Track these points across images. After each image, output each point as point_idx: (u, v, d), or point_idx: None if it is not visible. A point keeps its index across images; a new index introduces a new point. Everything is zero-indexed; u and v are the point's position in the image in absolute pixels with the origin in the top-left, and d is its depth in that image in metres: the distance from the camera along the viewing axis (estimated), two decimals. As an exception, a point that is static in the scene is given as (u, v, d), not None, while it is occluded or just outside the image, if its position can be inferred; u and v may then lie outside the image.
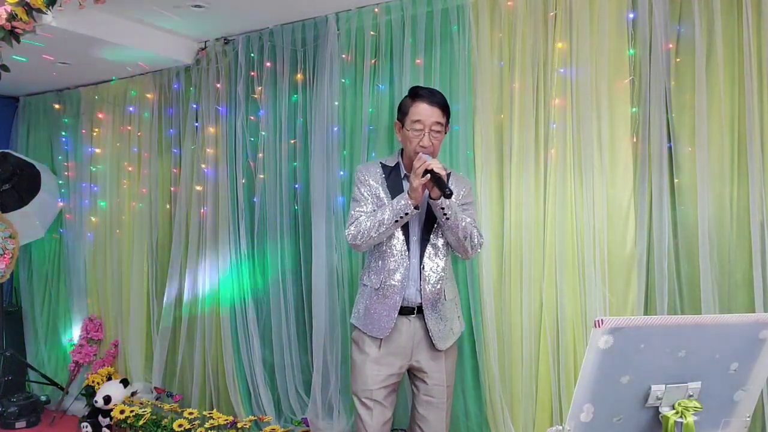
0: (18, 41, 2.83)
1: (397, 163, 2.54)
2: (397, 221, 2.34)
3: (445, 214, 2.33)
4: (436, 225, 2.44)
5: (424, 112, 2.39)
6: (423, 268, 2.44)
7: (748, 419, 1.19)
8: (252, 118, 3.76)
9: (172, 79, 4.13)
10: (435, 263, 2.45)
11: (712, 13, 2.54)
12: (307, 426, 3.48)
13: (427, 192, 2.35)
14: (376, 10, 3.27)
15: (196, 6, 3.28)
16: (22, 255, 4.72)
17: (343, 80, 3.40)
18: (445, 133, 2.49)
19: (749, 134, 2.46)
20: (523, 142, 2.89)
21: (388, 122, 3.25)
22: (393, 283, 2.43)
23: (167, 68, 4.11)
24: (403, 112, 2.46)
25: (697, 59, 2.55)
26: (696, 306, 2.57)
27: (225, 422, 3.55)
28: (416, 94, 2.44)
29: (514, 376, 2.92)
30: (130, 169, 4.38)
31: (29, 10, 2.72)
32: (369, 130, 3.30)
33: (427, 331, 2.43)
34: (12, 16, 2.73)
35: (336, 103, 3.39)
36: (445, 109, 2.44)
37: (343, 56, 3.38)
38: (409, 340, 2.45)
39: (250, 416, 3.58)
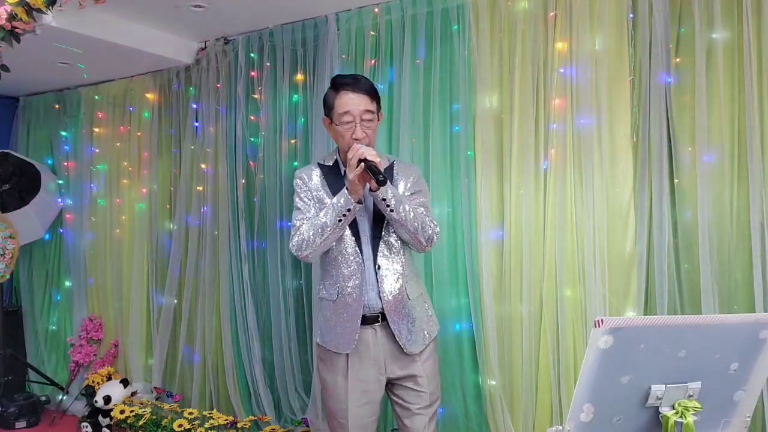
0: (18, 41, 2.83)
1: (336, 161, 2.34)
2: (340, 220, 2.13)
3: (388, 206, 2.12)
4: (386, 221, 2.23)
5: (350, 102, 2.19)
6: (379, 269, 2.23)
7: (748, 419, 1.19)
8: (252, 118, 3.76)
9: (172, 79, 4.13)
10: (391, 262, 2.25)
11: (712, 13, 2.54)
12: (307, 426, 3.48)
13: (368, 186, 2.15)
14: (376, 10, 3.27)
15: (196, 6, 3.27)
16: (22, 255, 4.71)
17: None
18: (379, 120, 2.29)
19: (749, 134, 2.46)
20: (523, 142, 2.89)
21: (388, 122, 3.25)
22: (350, 290, 2.22)
23: (167, 68, 4.11)
24: (328, 106, 2.27)
25: (697, 59, 2.55)
26: (696, 306, 2.57)
27: (225, 422, 3.55)
28: (339, 83, 2.24)
29: (514, 376, 2.92)
30: (130, 169, 4.38)
31: (29, 10, 2.72)
32: (369, 130, 3.30)
33: (394, 337, 2.24)
34: (12, 16, 2.73)
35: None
36: (374, 94, 2.24)
37: (343, 56, 3.38)
38: (379, 351, 2.25)
39: (250, 416, 3.58)
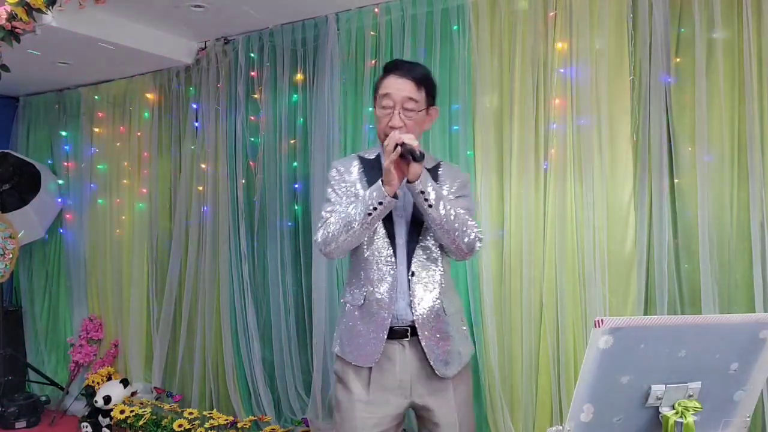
0: (18, 41, 2.83)
1: (378, 155, 2.08)
2: (370, 215, 1.86)
3: (426, 200, 1.86)
4: (425, 225, 1.99)
5: (393, 85, 1.95)
6: (412, 275, 1.97)
7: (748, 419, 1.19)
8: (252, 118, 3.76)
9: (172, 79, 4.13)
10: (428, 270, 1.99)
11: (712, 13, 2.54)
12: (307, 426, 3.48)
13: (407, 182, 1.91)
14: (376, 10, 3.27)
15: (196, 6, 3.28)
16: (22, 255, 4.71)
17: (343, 80, 3.40)
18: (430, 116, 2.05)
19: (749, 134, 2.46)
20: (523, 142, 2.89)
21: (388, 122, 3.25)
22: (378, 296, 1.96)
23: (167, 68, 4.11)
24: (375, 89, 2.05)
25: (697, 59, 2.55)
26: (696, 306, 2.57)
27: (225, 422, 3.55)
28: (388, 67, 2.03)
29: (514, 376, 2.92)
30: (130, 169, 4.38)
31: (29, 10, 2.72)
32: (369, 130, 3.30)
33: (425, 356, 1.95)
34: (12, 16, 2.73)
35: (336, 103, 3.39)
36: (423, 83, 1.98)
37: (343, 56, 3.38)
38: (405, 371, 1.96)
39: (249, 416, 3.58)
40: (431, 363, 1.95)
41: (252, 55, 3.72)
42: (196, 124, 4.01)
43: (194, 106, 4.03)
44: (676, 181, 2.63)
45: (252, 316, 3.74)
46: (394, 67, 2.00)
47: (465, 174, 2.18)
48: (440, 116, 3.09)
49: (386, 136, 1.89)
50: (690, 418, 1.05)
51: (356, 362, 1.97)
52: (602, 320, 0.97)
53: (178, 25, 3.61)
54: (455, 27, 3.06)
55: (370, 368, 1.96)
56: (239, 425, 3.52)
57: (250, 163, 3.75)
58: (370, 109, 3.30)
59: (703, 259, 2.51)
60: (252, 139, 3.75)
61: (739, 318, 1.17)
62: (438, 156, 3.08)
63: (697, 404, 1.07)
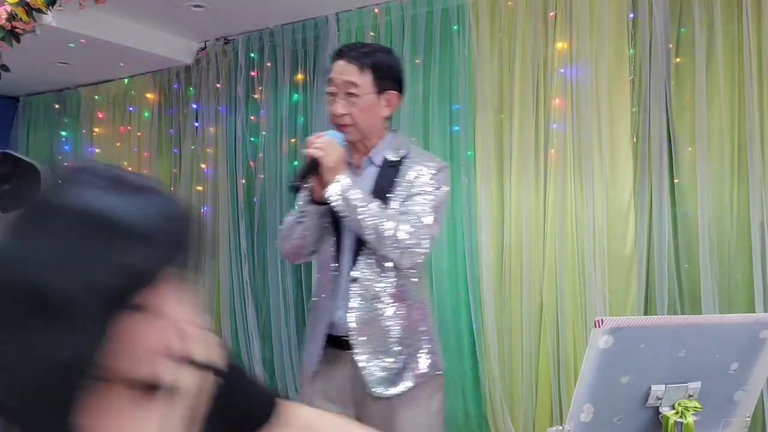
0: (18, 41, 2.83)
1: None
2: (300, 222, 1.79)
3: (336, 209, 1.72)
4: None
5: (336, 69, 1.79)
6: (353, 282, 1.79)
7: (748, 419, 1.19)
8: (252, 118, 3.76)
9: (172, 79, 4.13)
10: (371, 276, 1.80)
11: (712, 13, 2.54)
12: (307, 426, 3.47)
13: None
14: (376, 10, 3.27)
15: (196, 6, 3.27)
16: (22, 255, 4.71)
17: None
18: (389, 104, 1.84)
19: (749, 134, 2.46)
20: (523, 142, 2.89)
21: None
22: (322, 302, 1.86)
23: (167, 68, 4.11)
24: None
25: (697, 59, 2.55)
26: (696, 306, 2.57)
27: (225, 422, 3.55)
28: (336, 50, 1.86)
29: (514, 376, 2.92)
30: (130, 169, 4.38)
31: (29, 10, 2.72)
32: (369, 130, 3.30)
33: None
34: (12, 16, 2.73)
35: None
36: (369, 66, 1.78)
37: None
38: (347, 381, 1.79)
39: (250, 416, 3.58)
40: (364, 380, 1.74)
41: (252, 55, 3.72)
42: (196, 124, 4.01)
43: (194, 106, 4.03)
44: (676, 181, 2.63)
45: (252, 316, 3.74)
46: (340, 51, 1.83)
47: (435, 164, 1.86)
48: (440, 116, 3.10)
49: (335, 125, 1.82)
50: (690, 418, 1.05)
51: (305, 363, 1.89)
52: (602, 320, 0.97)
53: (178, 25, 3.61)
54: (455, 27, 3.06)
55: (315, 376, 1.84)
56: (239, 425, 3.52)
57: (250, 163, 3.75)
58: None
59: (703, 259, 2.51)
60: (252, 139, 3.75)
61: (739, 318, 1.17)
62: (438, 156, 3.10)
63: (697, 404, 1.07)
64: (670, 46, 2.63)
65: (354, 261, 1.81)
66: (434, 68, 3.11)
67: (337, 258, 1.83)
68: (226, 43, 3.82)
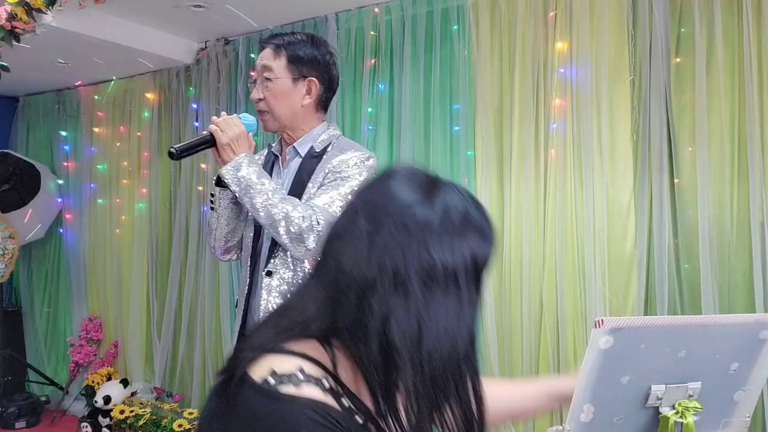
0: (18, 41, 2.83)
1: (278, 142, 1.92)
2: (212, 208, 1.75)
3: (233, 191, 1.68)
4: None
5: (258, 56, 1.82)
6: (268, 275, 1.71)
7: (748, 419, 1.19)
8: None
9: (172, 79, 4.13)
10: (284, 270, 1.72)
11: (712, 13, 2.53)
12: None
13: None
14: (376, 10, 3.27)
15: (196, 6, 3.27)
16: (22, 255, 4.71)
17: (342, 80, 3.39)
18: (308, 91, 1.80)
19: (749, 134, 2.46)
20: (523, 142, 2.89)
21: (388, 122, 3.25)
22: (240, 298, 1.80)
23: (167, 68, 4.11)
24: None
25: (697, 59, 2.55)
26: (696, 306, 2.57)
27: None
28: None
29: (514, 376, 2.92)
30: (130, 169, 4.38)
31: (29, 10, 2.72)
32: (368, 130, 3.30)
33: None
34: (12, 16, 2.73)
35: (335, 103, 3.39)
36: (284, 50, 1.77)
37: (343, 56, 3.38)
38: None
39: (250, 416, 3.57)
40: None
41: (252, 55, 3.72)
42: (196, 124, 4.01)
43: (194, 106, 4.03)
44: (676, 181, 2.63)
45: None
46: (265, 39, 1.84)
47: (355, 153, 1.79)
48: (440, 116, 3.10)
49: (258, 114, 1.82)
50: (690, 418, 1.05)
51: None
52: (602, 320, 0.97)
53: (178, 25, 3.61)
54: (455, 27, 3.06)
55: None
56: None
57: (250, 163, 3.74)
58: (369, 109, 3.29)
59: (703, 259, 2.51)
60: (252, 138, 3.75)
61: (739, 318, 1.17)
62: (438, 156, 3.10)
63: (698, 404, 1.07)
64: (670, 46, 2.63)
65: (270, 254, 1.73)
66: (434, 68, 3.11)
67: (255, 251, 1.76)
68: (226, 43, 3.82)
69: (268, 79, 1.78)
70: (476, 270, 0.80)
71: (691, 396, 1.08)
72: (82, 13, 3.07)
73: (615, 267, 2.70)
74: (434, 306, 0.75)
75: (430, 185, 0.81)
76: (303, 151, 1.82)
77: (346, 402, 0.77)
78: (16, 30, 2.79)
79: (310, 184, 1.75)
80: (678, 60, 2.63)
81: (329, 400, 0.75)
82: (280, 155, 1.86)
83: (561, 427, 1.01)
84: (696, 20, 2.56)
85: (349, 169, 1.73)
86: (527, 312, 2.87)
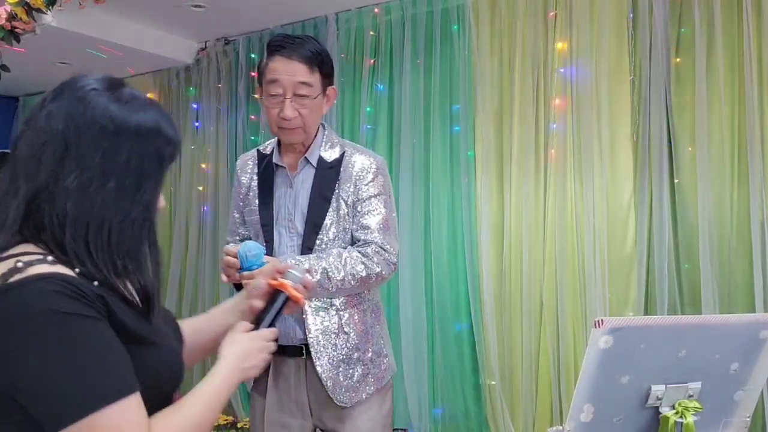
0: (18, 41, 2.83)
1: (273, 149, 1.78)
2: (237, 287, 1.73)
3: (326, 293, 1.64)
4: (326, 223, 1.71)
5: (281, 68, 1.63)
6: None
7: (748, 419, 1.19)
8: (253, 117, 3.76)
9: (172, 79, 4.13)
10: None
11: (712, 13, 2.54)
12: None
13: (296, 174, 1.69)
14: (376, 10, 3.27)
15: (196, 6, 3.28)
16: (22, 255, 4.71)
17: (342, 80, 3.40)
18: (328, 100, 1.74)
19: (749, 134, 2.46)
20: (523, 142, 2.89)
21: (387, 122, 3.25)
22: None
23: (167, 68, 4.11)
24: (260, 73, 1.72)
25: (697, 59, 2.55)
26: (696, 306, 2.57)
27: (225, 422, 3.55)
28: (274, 44, 1.67)
29: (514, 376, 2.92)
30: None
31: (29, 10, 2.72)
32: (367, 130, 3.30)
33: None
34: (12, 16, 2.73)
35: (335, 103, 3.39)
36: (317, 63, 1.65)
37: (342, 56, 3.38)
38: (301, 389, 1.72)
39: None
40: (327, 389, 1.67)
41: (252, 55, 3.72)
42: (196, 124, 4.01)
43: (194, 106, 4.03)
44: (676, 181, 2.63)
45: (252, 316, 3.73)
46: (279, 45, 1.65)
47: (376, 162, 1.76)
48: (440, 116, 3.10)
49: (279, 129, 1.66)
50: (690, 418, 1.05)
51: (252, 380, 1.74)
52: (602, 320, 0.97)
53: (179, 25, 3.62)
54: (455, 27, 3.06)
55: (266, 386, 1.75)
56: (239, 425, 3.52)
57: (250, 163, 3.75)
58: (368, 108, 3.30)
59: (703, 259, 2.51)
60: (253, 138, 3.75)
61: (739, 318, 1.17)
62: (438, 156, 3.10)
63: (697, 404, 1.07)
64: (670, 46, 2.64)
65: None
66: (434, 68, 3.11)
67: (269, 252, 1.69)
68: (226, 43, 3.82)
69: (305, 96, 1.65)
70: (145, 144, 0.90)
71: (691, 396, 1.08)
72: (82, 13, 3.07)
73: (615, 267, 2.70)
74: (104, 179, 0.85)
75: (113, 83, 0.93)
76: (314, 161, 1.74)
77: (78, 268, 0.82)
78: (16, 30, 2.79)
79: (344, 198, 1.72)
80: (678, 60, 2.64)
81: (59, 268, 0.81)
82: (282, 163, 1.77)
83: (561, 427, 1.01)
84: (696, 20, 2.56)
85: (374, 187, 1.74)
86: (527, 312, 2.87)
